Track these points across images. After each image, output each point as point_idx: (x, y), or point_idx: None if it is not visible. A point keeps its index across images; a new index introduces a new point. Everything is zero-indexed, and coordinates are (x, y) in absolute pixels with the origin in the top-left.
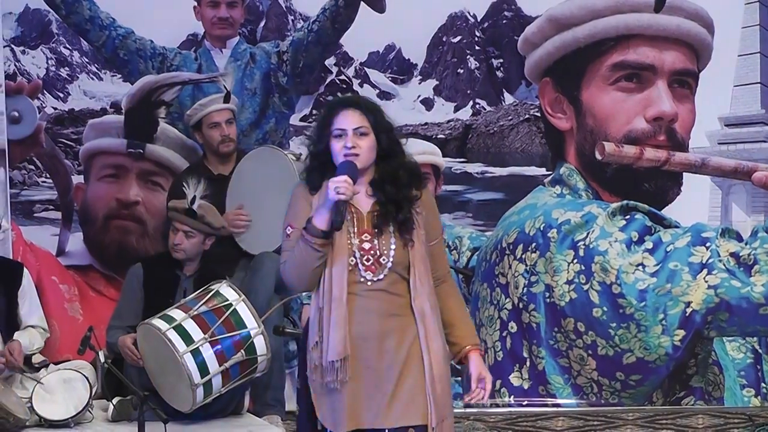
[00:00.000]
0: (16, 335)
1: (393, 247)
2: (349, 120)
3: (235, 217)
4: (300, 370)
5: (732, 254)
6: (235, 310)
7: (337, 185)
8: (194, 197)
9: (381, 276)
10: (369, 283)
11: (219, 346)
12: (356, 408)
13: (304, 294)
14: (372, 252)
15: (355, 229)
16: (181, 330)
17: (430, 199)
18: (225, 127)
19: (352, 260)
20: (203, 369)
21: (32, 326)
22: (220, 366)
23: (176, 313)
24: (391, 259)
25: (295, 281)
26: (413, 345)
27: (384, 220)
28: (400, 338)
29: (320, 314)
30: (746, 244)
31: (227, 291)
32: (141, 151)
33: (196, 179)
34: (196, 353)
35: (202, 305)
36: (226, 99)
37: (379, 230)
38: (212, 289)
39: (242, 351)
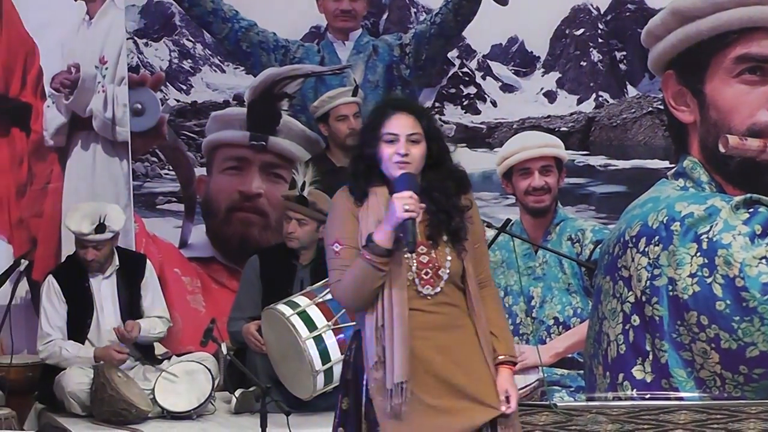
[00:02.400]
0: (137, 320)
1: (449, 258)
2: (402, 125)
3: None
4: (347, 380)
5: None
6: None
7: (406, 203)
8: (304, 183)
9: (439, 288)
10: (429, 297)
11: (342, 335)
12: (425, 424)
13: None
14: (430, 265)
15: None
16: (305, 316)
17: (475, 204)
18: (352, 120)
19: (410, 275)
20: (325, 356)
21: (156, 317)
22: (342, 354)
23: (301, 300)
24: (448, 271)
25: (351, 301)
26: (477, 354)
27: (437, 231)
28: (464, 349)
29: (380, 333)
30: None
31: None
32: (263, 143)
33: (306, 166)
34: (318, 340)
35: (327, 293)
36: (355, 92)
37: (434, 241)
38: None
39: None
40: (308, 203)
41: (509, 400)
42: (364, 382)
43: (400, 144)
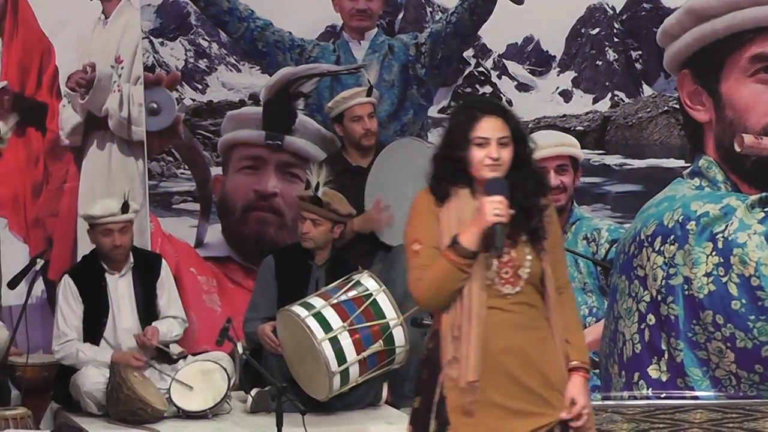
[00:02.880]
0: (155, 324)
1: (529, 257)
2: (493, 128)
3: (377, 215)
4: (425, 377)
5: None
6: (374, 300)
7: (496, 207)
8: (317, 184)
9: (518, 288)
10: (508, 297)
11: (357, 335)
12: (495, 424)
13: None
14: (510, 264)
15: None
16: (320, 317)
17: (551, 205)
18: (367, 120)
19: (489, 274)
20: (341, 357)
21: (171, 317)
22: (357, 355)
23: (316, 301)
24: (528, 270)
25: (431, 301)
26: (551, 356)
27: (516, 230)
28: (539, 350)
29: (457, 331)
30: None
31: (368, 281)
32: (279, 142)
33: (319, 166)
34: (334, 341)
35: (342, 294)
36: (369, 92)
37: (513, 241)
38: (353, 279)
39: (380, 341)
40: (322, 203)
41: (574, 408)
42: (439, 381)
43: (492, 148)
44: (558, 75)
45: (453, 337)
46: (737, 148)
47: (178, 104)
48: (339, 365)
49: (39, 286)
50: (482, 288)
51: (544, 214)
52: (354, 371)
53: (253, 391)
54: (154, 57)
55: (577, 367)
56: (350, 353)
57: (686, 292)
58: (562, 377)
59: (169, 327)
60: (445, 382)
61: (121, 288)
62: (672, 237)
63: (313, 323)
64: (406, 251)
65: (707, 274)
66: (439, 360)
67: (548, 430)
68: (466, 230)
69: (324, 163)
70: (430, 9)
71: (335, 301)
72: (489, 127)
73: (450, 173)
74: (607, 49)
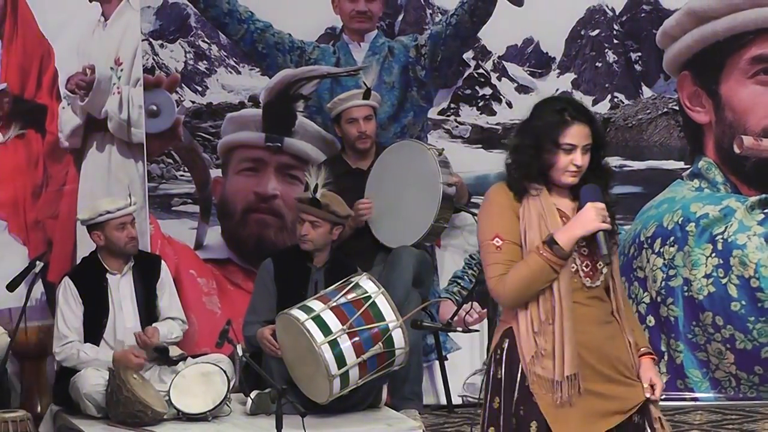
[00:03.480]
0: (155, 325)
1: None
2: (580, 135)
3: (360, 207)
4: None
5: None
6: (374, 302)
7: (602, 214)
8: (316, 185)
9: (598, 282)
10: (587, 289)
11: (357, 338)
12: (587, 409)
13: (440, 288)
14: (590, 257)
15: None
16: (319, 321)
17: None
18: (362, 123)
19: (573, 267)
20: (340, 360)
21: (171, 318)
22: (357, 358)
23: (315, 304)
24: (610, 262)
25: (517, 297)
26: (624, 349)
27: None
28: (613, 345)
29: (539, 326)
30: None
31: (367, 283)
32: (279, 144)
33: (318, 168)
34: (333, 344)
35: (341, 297)
36: (366, 95)
37: (591, 235)
38: (352, 281)
39: (380, 343)
40: (321, 205)
41: (654, 388)
42: (518, 378)
43: (577, 155)
44: (558, 77)
45: (534, 333)
46: (737, 150)
47: (177, 106)
48: (339, 368)
49: (38, 288)
50: (569, 281)
51: (612, 209)
52: (354, 374)
53: (253, 394)
54: (153, 59)
55: (647, 352)
56: (350, 356)
57: (686, 294)
58: (634, 365)
59: (169, 328)
60: (530, 379)
61: (122, 288)
62: (672, 238)
63: (312, 326)
64: (484, 245)
65: (707, 276)
66: (516, 358)
67: (637, 410)
68: (564, 232)
69: (323, 165)
70: (430, 11)
71: (334, 304)
72: (577, 134)
73: (536, 174)
74: (606, 50)
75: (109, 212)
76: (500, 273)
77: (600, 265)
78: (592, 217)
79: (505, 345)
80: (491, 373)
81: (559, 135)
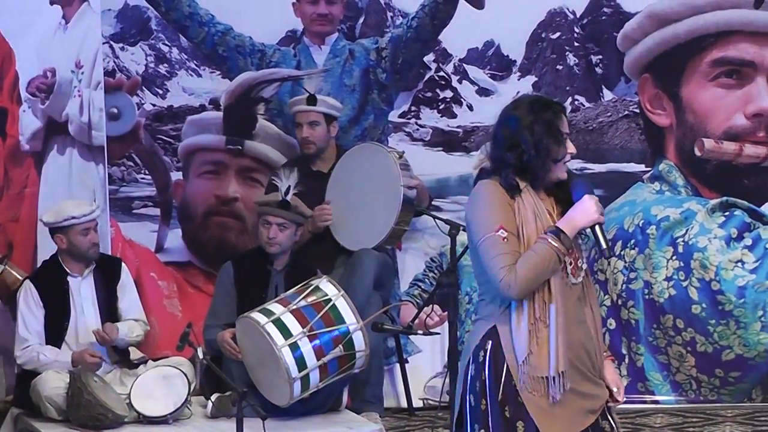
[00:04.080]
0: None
1: (584, 248)
2: (566, 124)
3: (319, 212)
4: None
5: None
6: (334, 305)
7: (602, 207)
8: (288, 187)
9: (580, 279)
10: (571, 287)
11: (317, 341)
12: (575, 407)
13: (401, 290)
14: (573, 254)
15: None
16: (279, 324)
17: None
18: (305, 128)
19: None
20: (301, 363)
21: (133, 320)
22: (318, 361)
23: (275, 307)
24: (585, 261)
25: (527, 287)
26: (599, 347)
27: None
28: (591, 344)
29: (532, 325)
30: None
31: (327, 286)
32: (240, 147)
33: (289, 171)
34: (294, 347)
35: (301, 299)
36: (310, 101)
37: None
38: (312, 284)
39: (341, 346)
40: (290, 207)
41: (620, 391)
42: (503, 379)
43: (569, 143)
44: (518, 79)
45: (530, 331)
46: (698, 153)
47: (138, 109)
48: (299, 371)
49: None
50: (560, 278)
51: None
52: (314, 377)
53: (214, 397)
54: (114, 62)
55: (608, 355)
56: (310, 359)
57: (647, 297)
58: (601, 366)
59: (130, 327)
60: (521, 379)
61: (83, 290)
62: (632, 241)
63: (272, 329)
64: (488, 237)
65: (668, 279)
66: (501, 359)
67: (602, 410)
68: (566, 222)
69: (288, 165)
70: (391, 14)
71: (294, 307)
72: (565, 123)
73: (539, 170)
74: (567, 53)
75: (74, 218)
76: (510, 263)
77: (581, 262)
78: (593, 208)
79: (488, 346)
80: (470, 375)
81: (559, 126)
